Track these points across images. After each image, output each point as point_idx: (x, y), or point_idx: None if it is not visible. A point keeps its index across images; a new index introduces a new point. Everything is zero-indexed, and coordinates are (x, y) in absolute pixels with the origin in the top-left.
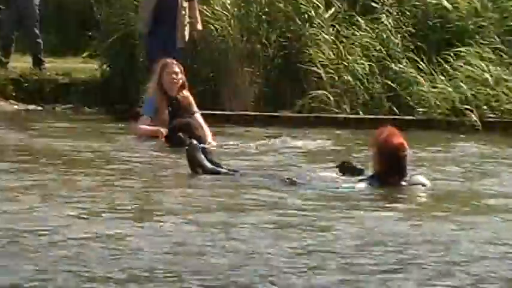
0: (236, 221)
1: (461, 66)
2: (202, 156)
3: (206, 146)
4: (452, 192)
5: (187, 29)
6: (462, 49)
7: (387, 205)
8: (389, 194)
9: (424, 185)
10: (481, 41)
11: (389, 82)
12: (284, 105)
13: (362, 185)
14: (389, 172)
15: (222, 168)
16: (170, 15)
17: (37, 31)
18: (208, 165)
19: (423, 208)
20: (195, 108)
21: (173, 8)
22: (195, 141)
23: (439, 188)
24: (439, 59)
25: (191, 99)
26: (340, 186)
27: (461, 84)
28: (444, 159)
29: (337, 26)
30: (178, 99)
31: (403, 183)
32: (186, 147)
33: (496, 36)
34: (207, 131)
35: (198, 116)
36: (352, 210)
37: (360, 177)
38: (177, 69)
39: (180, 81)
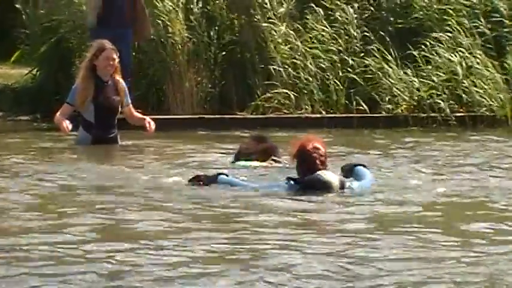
0: None
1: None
2: None
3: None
4: None
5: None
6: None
7: None
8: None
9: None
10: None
11: (353, 76)
12: (231, 106)
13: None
14: (308, 174)
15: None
16: (119, 12)
17: None
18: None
19: None
20: (129, 100)
21: (122, 5)
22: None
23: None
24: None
25: (123, 86)
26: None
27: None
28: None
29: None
30: (108, 82)
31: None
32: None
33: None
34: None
35: (131, 107)
36: None
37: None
38: (114, 56)
39: (115, 66)
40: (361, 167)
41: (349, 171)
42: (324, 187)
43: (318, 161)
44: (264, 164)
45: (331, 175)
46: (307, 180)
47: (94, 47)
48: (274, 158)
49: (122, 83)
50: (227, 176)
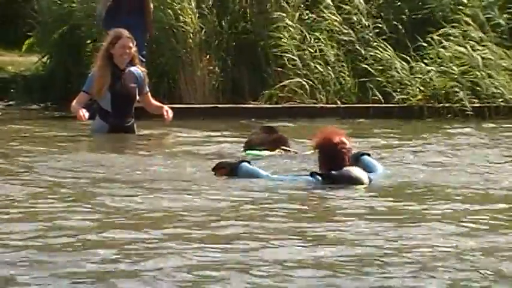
0: None
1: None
2: None
3: None
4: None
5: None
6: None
7: None
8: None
9: (359, 181)
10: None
11: (365, 66)
12: (244, 96)
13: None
14: (334, 169)
15: None
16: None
17: None
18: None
19: None
20: (147, 88)
21: None
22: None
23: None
24: (421, 40)
25: (143, 74)
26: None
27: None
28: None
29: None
30: (125, 70)
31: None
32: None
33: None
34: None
35: (149, 95)
36: None
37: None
38: (130, 44)
39: (131, 55)
40: (367, 157)
41: (355, 162)
42: (354, 184)
43: (346, 157)
44: (273, 153)
45: (360, 171)
46: (335, 176)
47: (110, 36)
48: (284, 147)
49: (141, 71)
50: (249, 163)
